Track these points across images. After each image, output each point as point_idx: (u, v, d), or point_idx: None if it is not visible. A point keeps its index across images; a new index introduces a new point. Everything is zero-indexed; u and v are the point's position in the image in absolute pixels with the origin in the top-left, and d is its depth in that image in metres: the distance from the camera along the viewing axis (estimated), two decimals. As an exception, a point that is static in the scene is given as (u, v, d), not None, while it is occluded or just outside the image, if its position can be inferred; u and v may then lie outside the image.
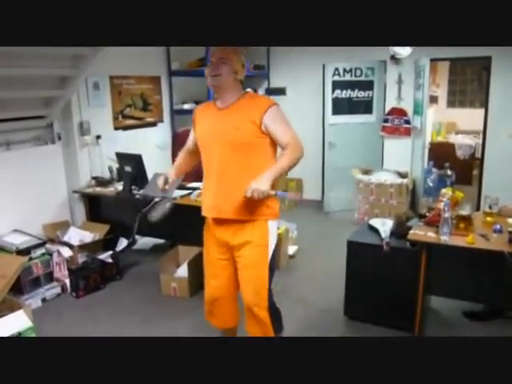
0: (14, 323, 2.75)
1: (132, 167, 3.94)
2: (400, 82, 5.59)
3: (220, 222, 2.28)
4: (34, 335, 2.69)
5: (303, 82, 6.05)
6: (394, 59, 5.51)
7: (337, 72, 5.55)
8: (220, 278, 2.39)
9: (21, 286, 3.45)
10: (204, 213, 2.36)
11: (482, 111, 5.50)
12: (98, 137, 4.44)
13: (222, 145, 2.19)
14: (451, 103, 8.56)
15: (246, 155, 2.19)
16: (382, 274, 3.04)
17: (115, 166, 4.38)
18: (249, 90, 2.55)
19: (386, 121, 5.73)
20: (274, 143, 2.23)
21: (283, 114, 2.23)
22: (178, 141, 5.31)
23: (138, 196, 3.88)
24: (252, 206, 2.18)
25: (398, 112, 5.65)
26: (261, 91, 6.25)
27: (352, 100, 5.68)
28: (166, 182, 2.43)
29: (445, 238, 2.63)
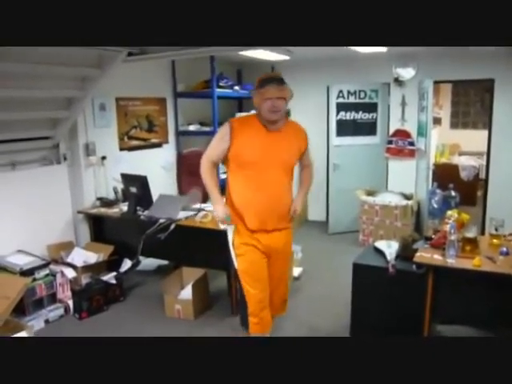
0: (17, 345, 2.72)
1: (137, 188, 3.95)
2: (404, 103, 5.63)
3: (266, 230, 2.65)
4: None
5: (308, 104, 6.09)
6: (398, 81, 5.56)
7: (341, 94, 5.59)
8: (265, 279, 2.69)
9: (24, 307, 3.42)
10: (251, 225, 2.62)
11: (485, 132, 5.51)
12: (104, 157, 4.47)
13: (276, 165, 2.57)
14: (454, 124, 8.60)
15: (290, 175, 2.70)
16: (388, 297, 3.01)
17: (120, 186, 4.39)
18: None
19: (390, 142, 5.76)
20: None
21: None
22: (183, 162, 5.35)
23: (142, 217, 3.88)
24: (285, 219, 2.73)
25: (402, 134, 5.68)
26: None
27: (356, 122, 5.71)
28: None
29: (451, 261, 2.61)
